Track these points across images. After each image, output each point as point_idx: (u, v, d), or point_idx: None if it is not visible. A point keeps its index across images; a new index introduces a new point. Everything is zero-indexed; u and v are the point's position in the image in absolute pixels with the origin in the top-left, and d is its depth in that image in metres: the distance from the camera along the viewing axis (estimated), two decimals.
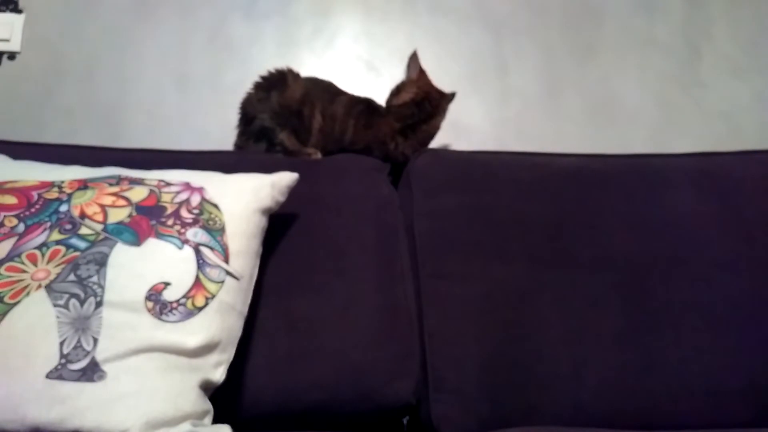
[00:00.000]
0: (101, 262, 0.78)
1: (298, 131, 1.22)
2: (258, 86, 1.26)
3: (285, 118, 1.21)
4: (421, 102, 1.22)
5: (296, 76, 1.26)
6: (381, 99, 1.29)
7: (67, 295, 0.74)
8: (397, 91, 1.26)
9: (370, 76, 1.48)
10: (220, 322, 0.79)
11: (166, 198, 0.87)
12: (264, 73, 1.27)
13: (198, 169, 0.96)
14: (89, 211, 0.83)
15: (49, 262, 0.77)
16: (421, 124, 1.23)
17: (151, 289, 0.77)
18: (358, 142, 1.22)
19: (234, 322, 0.83)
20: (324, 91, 1.26)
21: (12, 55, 1.46)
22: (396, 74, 1.50)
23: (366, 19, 1.52)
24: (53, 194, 0.86)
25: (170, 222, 0.84)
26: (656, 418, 0.92)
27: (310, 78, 1.28)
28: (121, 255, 0.79)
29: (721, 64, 1.53)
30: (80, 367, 0.70)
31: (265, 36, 1.49)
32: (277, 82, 1.24)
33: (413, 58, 1.27)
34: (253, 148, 1.23)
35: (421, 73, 1.26)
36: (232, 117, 1.28)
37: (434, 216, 1.09)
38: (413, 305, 1.01)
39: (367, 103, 1.27)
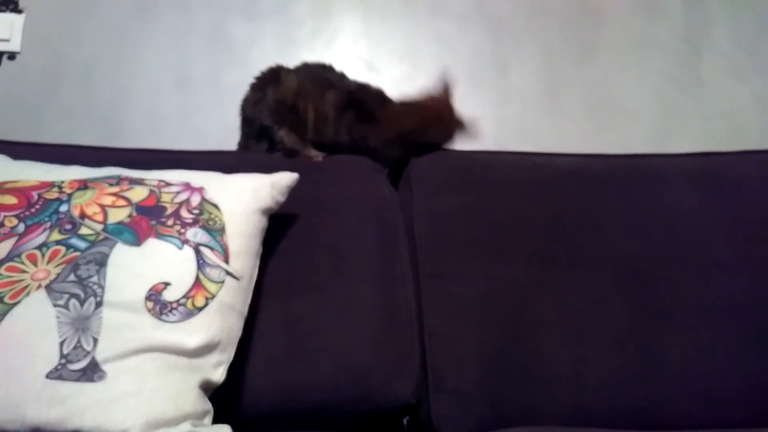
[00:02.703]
0: (101, 262, 0.78)
1: (296, 126, 1.21)
2: (253, 87, 1.25)
3: (282, 114, 1.20)
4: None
5: (288, 71, 1.24)
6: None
7: (67, 295, 0.74)
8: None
9: (370, 76, 1.48)
10: (220, 322, 0.79)
11: (166, 198, 0.87)
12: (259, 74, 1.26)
13: (198, 169, 0.96)
14: (89, 211, 0.83)
15: (49, 262, 0.77)
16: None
17: (151, 289, 0.77)
18: (355, 148, 1.21)
19: (234, 322, 0.83)
20: (314, 84, 1.22)
21: (12, 55, 1.46)
22: (396, 74, 1.51)
23: (366, 19, 1.52)
24: (53, 194, 0.86)
25: (170, 222, 0.84)
26: (656, 418, 0.92)
27: (302, 68, 1.25)
28: (121, 255, 0.79)
29: (721, 64, 1.53)
30: (80, 367, 0.70)
31: (265, 36, 1.49)
32: (271, 79, 1.23)
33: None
34: (255, 148, 1.23)
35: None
36: (232, 117, 1.28)
37: (434, 216, 1.09)
38: (413, 305, 1.01)
39: (359, 105, 1.21)
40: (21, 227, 0.81)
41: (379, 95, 1.24)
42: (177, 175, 0.93)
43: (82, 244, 0.79)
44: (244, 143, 1.26)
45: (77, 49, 1.46)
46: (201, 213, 0.87)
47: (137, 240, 0.81)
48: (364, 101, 1.22)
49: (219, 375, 0.79)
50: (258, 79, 1.25)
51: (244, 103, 1.25)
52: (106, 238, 0.80)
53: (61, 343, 0.71)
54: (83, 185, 0.88)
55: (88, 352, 0.71)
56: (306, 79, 1.23)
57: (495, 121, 1.45)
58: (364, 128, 1.20)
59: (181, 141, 1.38)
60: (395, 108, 1.21)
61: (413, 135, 1.18)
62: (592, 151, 1.26)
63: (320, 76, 1.24)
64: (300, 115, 1.21)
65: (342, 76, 1.26)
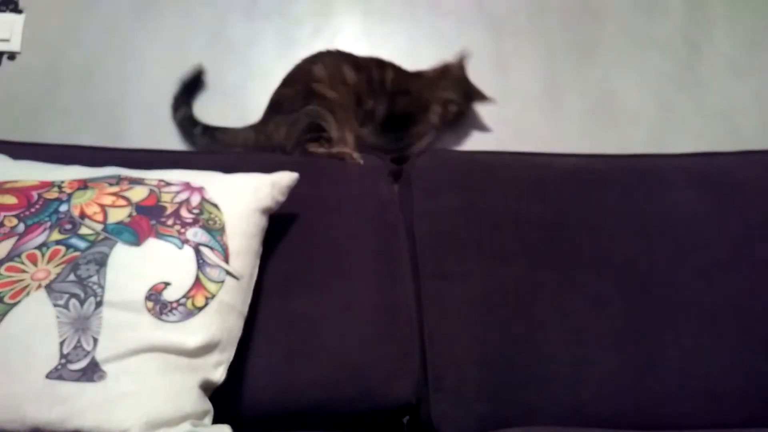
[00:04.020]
0: (101, 262, 0.78)
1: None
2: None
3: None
4: None
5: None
6: None
7: (67, 295, 0.74)
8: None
9: None
10: (220, 322, 0.79)
11: (166, 198, 0.87)
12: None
13: (198, 169, 0.96)
14: (89, 211, 0.83)
15: (49, 262, 0.77)
16: None
17: (151, 289, 0.77)
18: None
19: (234, 322, 0.83)
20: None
21: (12, 55, 1.45)
22: None
23: (366, 20, 1.52)
24: (53, 194, 0.86)
25: (170, 222, 0.84)
26: (656, 418, 0.92)
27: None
28: (121, 255, 0.79)
29: (721, 64, 1.52)
30: (80, 367, 0.70)
31: (265, 36, 1.49)
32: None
33: None
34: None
35: None
36: (233, 117, 1.28)
37: (434, 216, 1.09)
38: (413, 305, 1.01)
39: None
40: (21, 227, 0.81)
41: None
42: (177, 175, 0.93)
43: (82, 244, 0.79)
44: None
45: (77, 49, 1.46)
46: (201, 213, 0.87)
47: (137, 240, 0.81)
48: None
49: (219, 375, 0.79)
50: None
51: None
52: (106, 238, 0.80)
53: (61, 343, 0.71)
54: (83, 185, 0.88)
55: (88, 352, 0.71)
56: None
57: (495, 121, 1.45)
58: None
59: (181, 141, 1.38)
60: None
61: None
62: (592, 151, 1.26)
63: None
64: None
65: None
